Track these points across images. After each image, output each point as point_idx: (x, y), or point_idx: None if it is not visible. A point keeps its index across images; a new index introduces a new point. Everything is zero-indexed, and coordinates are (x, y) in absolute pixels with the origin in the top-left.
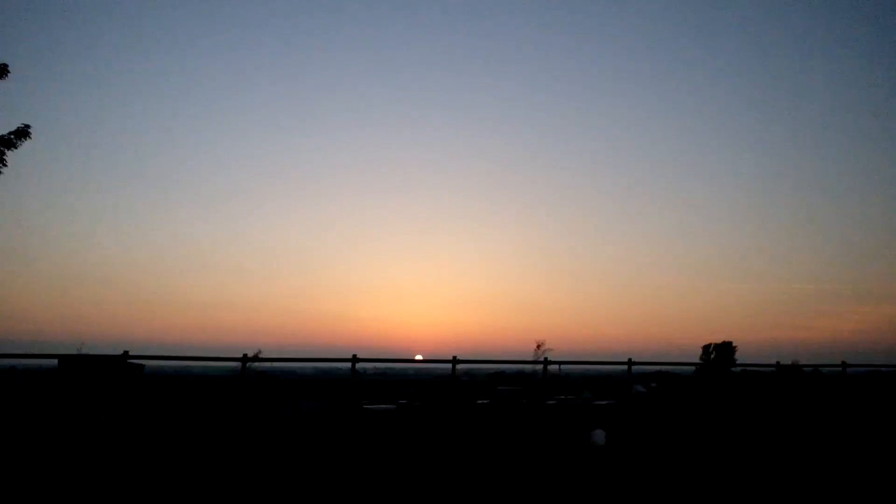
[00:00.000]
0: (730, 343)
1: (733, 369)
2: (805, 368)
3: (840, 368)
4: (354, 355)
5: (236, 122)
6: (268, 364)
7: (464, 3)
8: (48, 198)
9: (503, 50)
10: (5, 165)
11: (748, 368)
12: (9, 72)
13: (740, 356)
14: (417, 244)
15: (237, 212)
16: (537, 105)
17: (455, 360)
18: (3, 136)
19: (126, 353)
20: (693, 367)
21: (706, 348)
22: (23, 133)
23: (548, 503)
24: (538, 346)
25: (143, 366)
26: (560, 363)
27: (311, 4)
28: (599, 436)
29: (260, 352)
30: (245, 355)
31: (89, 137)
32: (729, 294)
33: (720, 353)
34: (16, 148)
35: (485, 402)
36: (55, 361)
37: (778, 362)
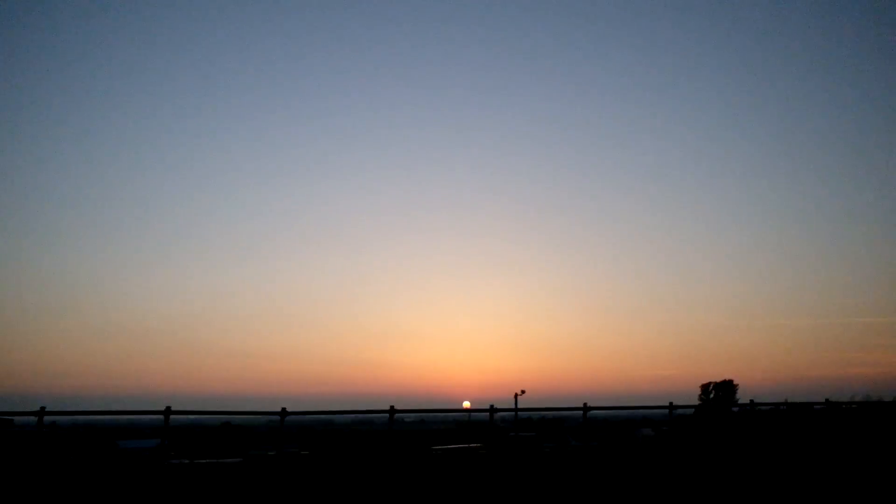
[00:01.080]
0: (730, 381)
1: (734, 409)
2: (817, 406)
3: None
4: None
5: (272, 170)
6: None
7: (520, 54)
8: (91, 250)
9: (549, 91)
10: None
11: (760, 407)
12: None
13: (761, 393)
14: (455, 289)
15: (271, 261)
16: (571, 149)
17: (393, 411)
18: None
19: None
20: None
21: (705, 388)
22: None
23: None
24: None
25: (11, 420)
26: (508, 410)
27: (355, 44)
28: None
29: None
30: (168, 409)
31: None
32: (777, 330)
33: (720, 393)
34: None
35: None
36: None
37: (786, 400)
